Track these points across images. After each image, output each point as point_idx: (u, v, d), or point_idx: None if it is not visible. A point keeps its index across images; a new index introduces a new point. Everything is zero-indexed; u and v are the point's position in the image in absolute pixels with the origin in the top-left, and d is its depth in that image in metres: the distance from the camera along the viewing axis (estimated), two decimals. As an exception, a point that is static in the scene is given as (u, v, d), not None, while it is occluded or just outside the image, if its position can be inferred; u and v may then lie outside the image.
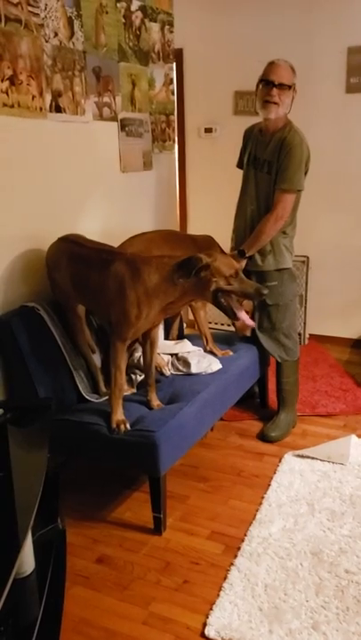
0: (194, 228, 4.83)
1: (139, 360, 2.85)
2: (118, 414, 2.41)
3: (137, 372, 2.85)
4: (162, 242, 2.91)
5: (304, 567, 2.22)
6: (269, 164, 2.92)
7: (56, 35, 2.68)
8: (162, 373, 2.86)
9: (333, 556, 2.27)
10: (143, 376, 2.80)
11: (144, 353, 2.64)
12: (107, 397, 2.62)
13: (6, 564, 1.40)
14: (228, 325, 4.53)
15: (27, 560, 1.86)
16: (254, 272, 3.03)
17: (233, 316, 2.36)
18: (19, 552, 1.47)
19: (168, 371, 2.87)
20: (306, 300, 4.56)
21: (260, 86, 2.85)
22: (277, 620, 1.98)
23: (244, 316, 2.39)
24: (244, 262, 2.94)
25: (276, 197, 2.89)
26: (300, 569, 2.21)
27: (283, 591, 2.11)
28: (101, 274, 2.40)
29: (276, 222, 2.89)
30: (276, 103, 2.82)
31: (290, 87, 2.84)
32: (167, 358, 2.95)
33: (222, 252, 3.03)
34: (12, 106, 2.48)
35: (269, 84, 2.81)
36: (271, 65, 2.83)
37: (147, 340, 2.59)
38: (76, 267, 2.52)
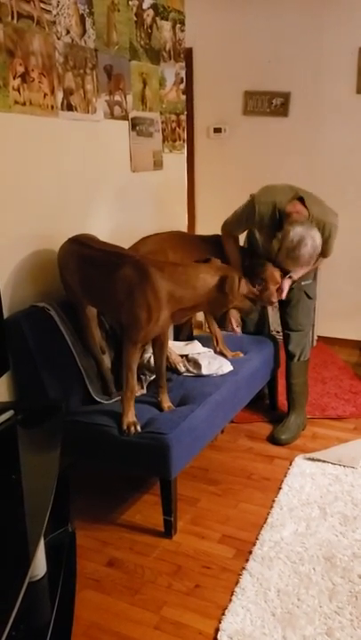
0: (202, 229, 4.81)
1: (149, 360, 2.83)
2: (129, 416, 2.39)
3: (147, 372, 2.82)
4: (175, 242, 2.89)
5: (317, 572, 2.19)
6: None
7: (68, 32, 2.66)
8: (177, 370, 2.84)
9: (346, 560, 2.25)
10: (153, 377, 2.78)
11: (154, 355, 2.62)
12: (117, 399, 2.59)
13: (20, 568, 1.38)
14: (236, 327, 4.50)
15: (39, 564, 1.84)
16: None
17: (227, 326, 2.50)
18: (32, 556, 1.44)
19: (183, 367, 2.85)
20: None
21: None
22: (291, 626, 1.95)
23: (233, 326, 2.82)
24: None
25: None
26: (312, 574, 2.18)
27: (296, 596, 2.08)
28: (110, 276, 2.38)
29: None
30: None
31: None
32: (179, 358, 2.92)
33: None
34: (24, 104, 2.46)
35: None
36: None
37: (156, 342, 2.56)
38: (85, 269, 2.49)
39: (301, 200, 2.73)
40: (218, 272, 2.36)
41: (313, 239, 2.55)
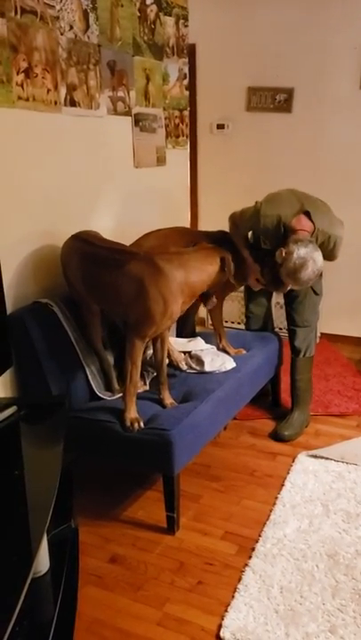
0: (205, 225, 4.80)
1: (151, 357, 2.83)
2: (132, 412, 2.38)
3: (150, 369, 2.82)
4: (178, 238, 2.88)
5: (320, 569, 2.19)
6: None
7: (71, 27, 2.65)
8: (179, 368, 2.83)
9: (350, 558, 2.24)
10: (156, 374, 2.78)
11: (155, 351, 2.61)
12: (120, 395, 2.59)
13: (23, 564, 1.38)
14: (239, 323, 4.50)
15: (42, 560, 1.84)
16: None
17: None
18: (35, 552, 1.44)
19: (185, 365, 2.85)
20: (317, 299, 4.51)
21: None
22: (294, 623, 1.95)
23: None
24: None
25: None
26: (315, 571, 2.18)
27: (299, 593, 2.08)
28: (114, 274, 2.37)
29: None
30: None
31: None
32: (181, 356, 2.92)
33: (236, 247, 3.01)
34: (27, 99, 2.45)
35: None
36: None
37: (157, 338, 2.56)
38: (88, 266, 2.48)
39: (307, 214, 2.73)
40: (215, 253, 2.44)
41: (315, 262, 2.55)
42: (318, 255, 2.57)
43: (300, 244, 2.56)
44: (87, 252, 2.50)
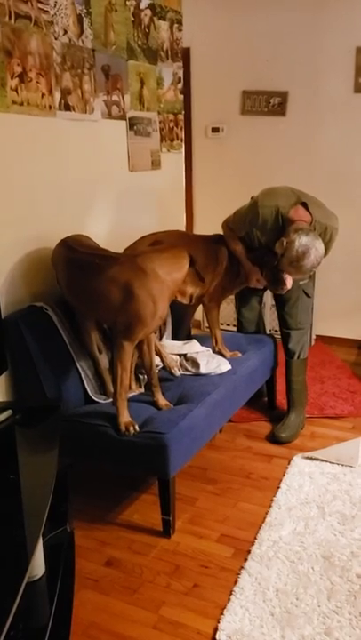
0: (200, 228, 4.81)
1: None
2: (125, 416, 2.38)
3: (144, 371, 2.82)
4: (174, 241, 2.88)
5: (315, 571, 2.19)
6: None
7: (65, 32, 2.66)
8: (172, 374, 2.83)
9: (345, 560, 2.25)
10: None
11: (142, 354, 2.59)
12: (115, 398, 2.59)
13: (19, 568, 1.38)
14: (235, 326, 4.50)
15: (37, 564, 1.84)
16: None
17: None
18: (31, 556, 1.44)
19: (178, 371, 2.84)
20: (312, 301, 4.53)
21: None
22: (290, 626, 1.95)
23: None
24: None
25: None
26: (311, 573, 2.18)
27: (294, 596, 2.08)
28: (98, 279, 2.34)
29: None
30: None
31: None
32: (176, 359, 2.92)
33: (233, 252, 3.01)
34: (22, 103, 2.46)
35: None
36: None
37: (143, 341, 2.55)
38: (72, 273, 2.46)
39: (304, 205, 2.73)
40: (183, 251, 2.44)
41: (317, 250, 2.56)
42: (320, 243, 2.59)
43: (300, 233, 2.57)
44: (70, 258, 2.48)
